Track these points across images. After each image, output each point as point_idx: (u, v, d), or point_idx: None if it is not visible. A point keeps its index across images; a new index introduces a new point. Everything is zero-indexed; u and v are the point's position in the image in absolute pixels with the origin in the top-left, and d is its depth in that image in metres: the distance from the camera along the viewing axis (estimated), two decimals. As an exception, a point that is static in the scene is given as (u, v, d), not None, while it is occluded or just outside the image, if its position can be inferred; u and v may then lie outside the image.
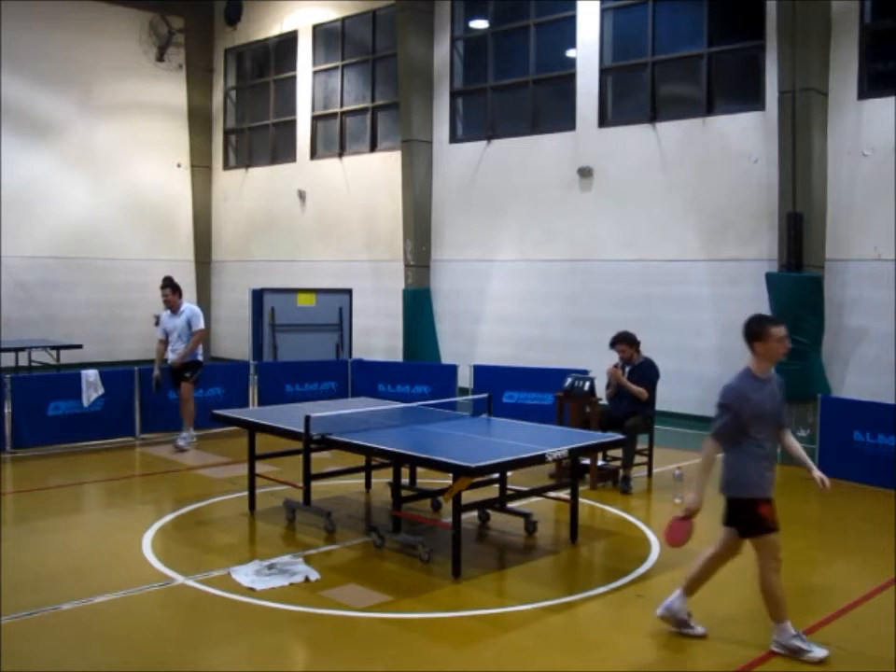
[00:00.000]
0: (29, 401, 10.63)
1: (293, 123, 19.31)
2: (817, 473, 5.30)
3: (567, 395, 9.36)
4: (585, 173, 14.14)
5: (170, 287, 10.83)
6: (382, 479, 8.38)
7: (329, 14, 18.48)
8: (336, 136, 18.45)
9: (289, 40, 19.41)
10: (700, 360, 12.98)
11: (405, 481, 7.64)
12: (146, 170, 20.18)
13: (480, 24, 16.07)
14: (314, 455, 7.55)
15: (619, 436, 7.91)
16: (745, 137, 12.52)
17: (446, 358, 15.53)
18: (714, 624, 5.55)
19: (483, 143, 15.65)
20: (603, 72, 14.12)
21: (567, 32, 14.52)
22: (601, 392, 9.50)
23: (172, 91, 20.69)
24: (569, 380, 9.39)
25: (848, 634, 5.42)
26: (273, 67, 20.00)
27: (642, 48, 13.67)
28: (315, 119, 18.94)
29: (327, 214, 18.47)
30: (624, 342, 9.28)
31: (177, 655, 5.05)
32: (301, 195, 18.89)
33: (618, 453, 9.14)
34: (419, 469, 8.02)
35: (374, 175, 17.44)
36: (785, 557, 7.10)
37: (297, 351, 14.68)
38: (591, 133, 14.18)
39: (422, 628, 5.45)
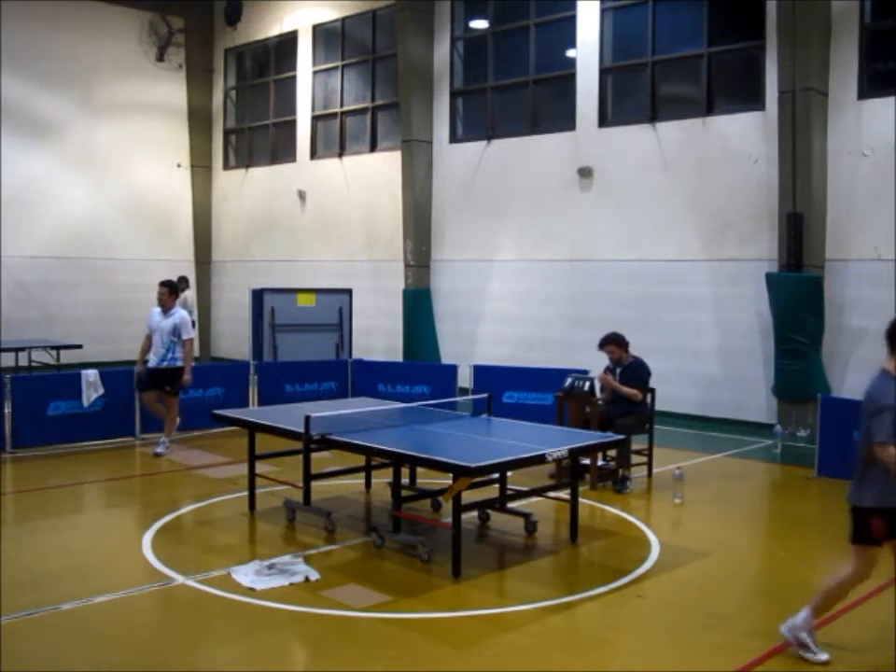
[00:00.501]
0: (29, 401, 10.63)
1: (293, 123, 19.31)
2: None
3: (566, 395, 9.35)
4: (585, 173, 14.14)
5: (168, 287, 10.66)
6: (382, 479, 8.38)
7: (329, 14, 18.48)
8: (336, 136, 18.46)
9: (289, 40, 19.42)
10: (700, 360, 12.98)
11: (405, 481, 7.64)
12: (146, 170, 20.18)
13: (480, 24, 16.07)
14: (314, 455, 7.55)
15: (618, 436, 7.90)
16: (745, 137, 12.53)
17: (446, 358, 15.53)
18: (714, 624, 5.55)
19: (483, 143, 15.65)
20: (603, 72, 14.12)
21: (566, 32, 14.52)
22: (600, 393, 9.50)
23: (172, 91, 20.69)
24: (569, 380, 9.39)
25: (848, 634, 5.41)
26: (273, 67, 20.00)
27: (642, 48, 13.67)
28: (314, 119, 18.94)
29: (327, 214, 18.47)
30: (613, 343, 9.27)
31: (177, 655, 5.05)
32: (301, 195, 18.89)
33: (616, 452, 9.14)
34: (419, 469, 8.02)
35: (374, 174, 17.44)
36: (785, 557, 7.13)
37: (297, 351, 14.68)
38: (591, 133, 14.18)
39: (422, 628, 5.45)
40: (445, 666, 4.97)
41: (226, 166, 21.12)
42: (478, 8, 16.01)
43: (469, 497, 6.68)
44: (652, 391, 9.67)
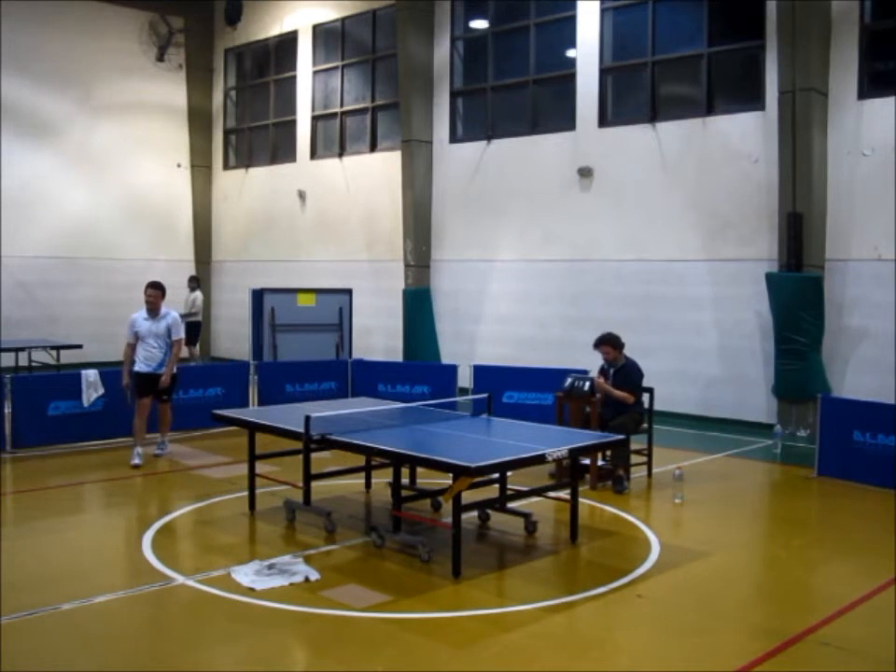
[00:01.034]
0: (29, 401, 10.63)
1: (293, 123, 19.32)
2: None
3: (566, 395, 9.35)
4: (585, 173, 14.14)
5: (159, 289, 10.12)
6: (382, 479, 8.38)
7: (328, 14, 18.48)
8: (336, 136, 18.46)
9: (289, 40, 19.42)
10: (700, 360, 12.99)
11: (405, 481, 7.64)
12: (146, 170, 20.19)
13: (480, 24, 16.07)
14: (314, 455, 7.55)
15: (618, 436, 7.90)
16: (745, 137, 12.53)
17: (446, 358, 15.53)
18: (714, 624, 5.55)
19: (483, 143, 15.65)
20: (603, 72, 14.12)
21: (566, 32, 14.53)
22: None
23: (172, 90, 20.70)
24: (569, 380, 9.38)
25: (848, 634, 5.42)
26: (273, 67, 20.00)
27: (642, 48, 13.68)
28: (314, 119, 18.94)
29: (327, 214, 18.47)
30: (608, 343, 9.26)
31: (177, 655, 5.05)
32: (301, 195, 18.90)
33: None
34: (419, 469, 8.02)
35: (374, 175, 17.44)
36: (785, 557, 7.13)
37: (297, 351, 14.68)
38: (591, 133, 14.18)
39: (422, 628, 5.45)
40: (445, 666, 4.97)
41: (226, 166, 21.13)
42: (478, 8, 16.01)
43: (468, 496, 6.68)
44: (650, 391, 9.68)
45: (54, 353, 15.32)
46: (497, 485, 7.44)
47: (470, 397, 10.96)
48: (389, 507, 7.21)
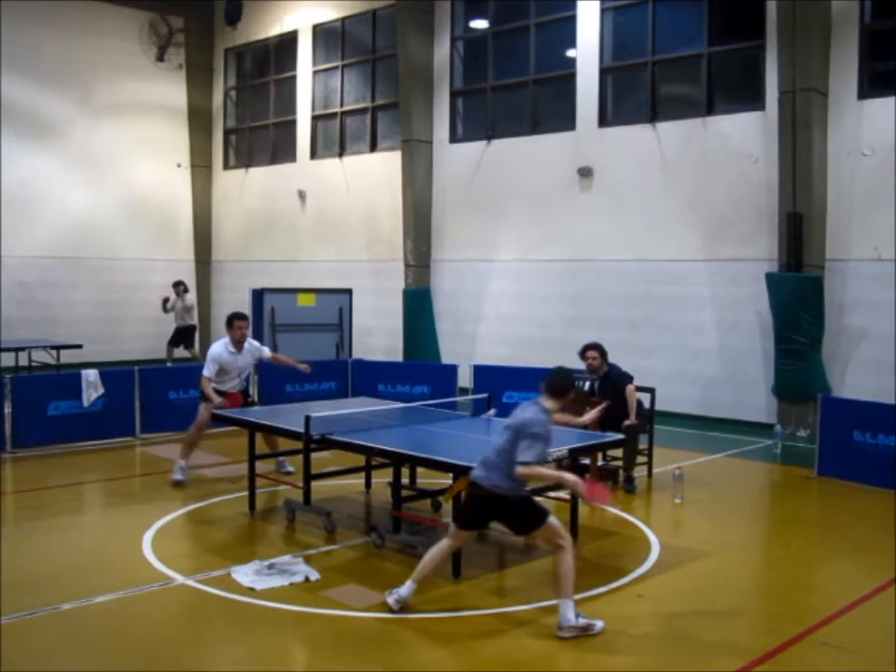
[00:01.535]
0: (29, 401, 10.63)
1: (293, 123, 19.31)
2: None
3: (566, 395, 9.33)
4: (585, 173, 14.14)
5: (248, 319, 9.21)
6: (382, 479, 8.38)
7: (329, 14, 18.48)
8: (336, 136, 18.46)
9: (289, 40, 19.42)
10: (700, 360, 12.98)
11: (405, 481, 7.64)
12: (146, 170, 20.18)
13: (480, 24, 16.07)
14: (314, 455, 7.55)
15: (619, 436, 7.89)
16: (745, 137, 12.52)
17: (446, 358, 15.53)
18: (714, 624, 5.55)
19: (483, 143, 15.65)
20: (603, 72, 14.12)
21: (566, 32, 14.52)
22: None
23: (172, 90, 20.70)
24: (569, 380, 9.36)
25: (848, 634, 5.42)
26: (273, 67, 20.00)
27: (642, 48, 13.68)
28: (314, 118, 18.94)
29: (327, 214, 18.47)
30: (597, 349, 9.24)
31: (177, 655, 5.05)
32: (301, 195, 18.89)
33: (618, 452, 9.13)
34: (419, 469, 8.02)
35: (374, 175, 17.44)
36: (785, 557, 7.13)
37: (297, 351, 14.58)
38: (591, 133, 14.18)
39: (422, 628, 5.45)
40: (445, 666, 4.97)
41: (226, 166, 21.13)
42: (478, 8, 16.01)
43: (468, 496, 6.67)
44: (651, 391, 9.69)
45: (54, 353, 15.32)
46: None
47: (470, 397, 10.96)
48: (389, 507, 7.21)
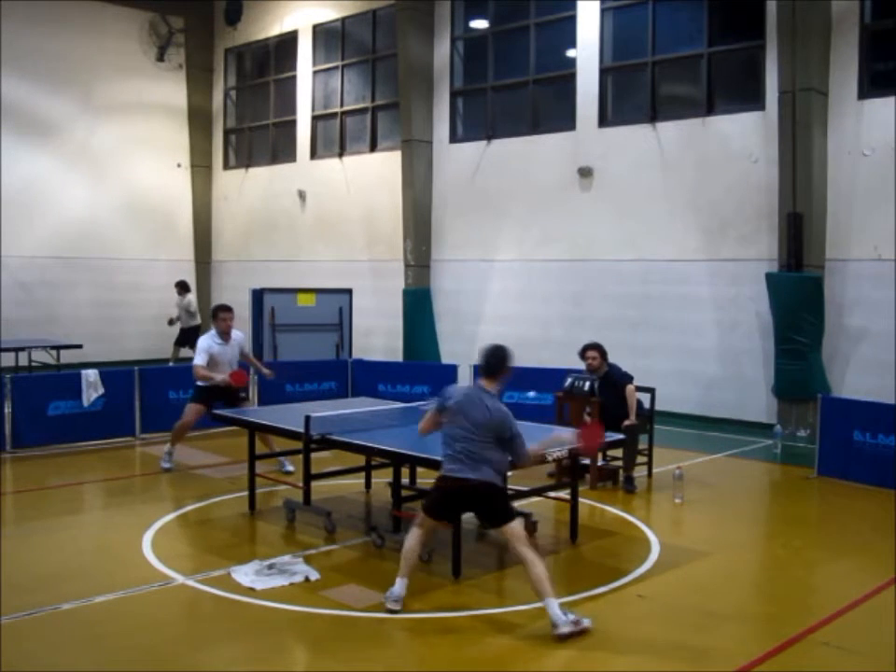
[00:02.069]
0: (29, 401, 10.63)
1: (293, 123, 19.31)
2: None
3: (566, 395, 9.35)
4: (585, 173, 14.14)
5: (232, 311, 9.65)
6: (382, 479, 8.38)
7: (328, 14, 18.48)
8: (336, 136, 18.46)
9: (289, 40, 19.41)
10: (700, 360, 12.98)
11: (405, 481, 7.64)
12: (146, 170, 20.18)
13: (480, 24, 16.07)
14: (314, 455, 7.55)
15: (619, 436, 7.90)
16: (745, 137, 12.52)
17: (446, 358, 15.53)
18: (714, 624, 5.55)
19: (483, 143, 15.65)
20: (603, 72, 14.12)
21: (567, 32, 14.52)
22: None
23: (172, 90, 20.70)
24: (569, 380, 9.39)
25: (848, 634, 5.42)
26: (273, 67, 20.00)
27: (642, 48, 13.67)
28: (314, 118, 18.94)
29: (327, 214, 18.47)
30: (597, 349, 9.25)
31: (177, 655, 5.05)
32: (301, 195, 18.90)
33: (618, 452, 9.13)
34: (419, 469, 8.02)
35: (374, 175, 17.44)
36: (785, 557, 7.13)
37: (297, 351, 14.67)
38: (591, 133, 14.18)
39: (422, 628, 5.45)
40: (445, 666, 4.97)
41: (226, 166, 21.13)
42: (478, 8, 16.01)
43: (468, 496, 6.67)
44: (651, 391, 9.69)
45: (54, 353, 15.32)
46: (496, 485, 7.43)
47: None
48: (389, 507, 7.21)
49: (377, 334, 17.07)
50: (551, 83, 15.06)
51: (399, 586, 5.63)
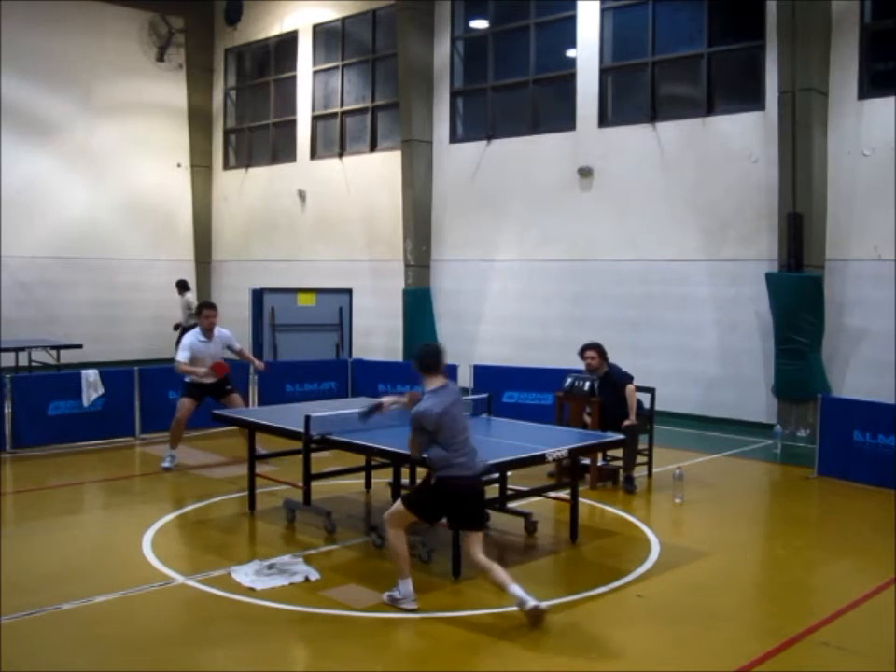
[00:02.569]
0: (29, 401, 10.63)
1: (293, 123, 19.31)
2: None
3: (566, 395, 9.35)
4: (585, 173, 14.14)
5: (216, 308, 10.00)
6: (382, 479, 8.38)
7: (328, 14, 18.48)
8: (336, 136, 18.45)
9: (289, 40, 19.41)
10: (700, 360, 12.98)
11: (405, 481, 7.64)
12: (146, 170, 20.18)
13: (480, 24, 16.07)
14: (314, 455, 7.55)
15: (619, 436, 7.90)
16: (745, 137, 12.52)
17: (446, 358, 15.49)
18: (714, 624, 5.55)
19: (483, 143, 15.65)
20: (603, 72, 14.12)
21: (567, 32, 14.52)
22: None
23: (172, 90, 20.70)
24: (569, 380, 9.38)
25: (848, 634, 5.42)
26: (273, 67, 20.00)
27: (642, 48, 13.67)
28: (314, 118, 18.94)
29: (327, 214, 18.47)
30: (596, 349, 9.25)
31: (177, 655, 5.05)
32: (301, 195, 18.90)
33: (618, 452, 9.13)
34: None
35: (374, 174, 17.44)
36: (785, 557, 7.13)
37: (297, 351, 14.68)
38: (591, 133, 14.18)
39: (422, 628, 5.45)
40: (445, 666, 4.97)
41: (226, 166, 21.13)
42: (478, 8, 16.01)
43: (468, 496, 6.67)
44: (651, 391, 9.69)
45: (54, 353, 15.32)
46: (496, 485, 7.43)
47: (470, 397, 10.94)
48: (389, 507, 7.20)
49: (377, 334, 17.07)
50: (551, 83, 15.05)
51: (408, 585, 5.66)
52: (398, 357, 16.18)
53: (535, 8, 14.98)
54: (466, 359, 14.00)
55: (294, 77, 19.32)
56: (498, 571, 5.54)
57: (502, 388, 12.28)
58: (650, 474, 9.47)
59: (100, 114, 19.51)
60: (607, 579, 6.28)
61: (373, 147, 17.70)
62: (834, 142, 11.72)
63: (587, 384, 9.18)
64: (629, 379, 9.19)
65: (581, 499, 7.50)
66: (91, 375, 11.03)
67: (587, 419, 9.17)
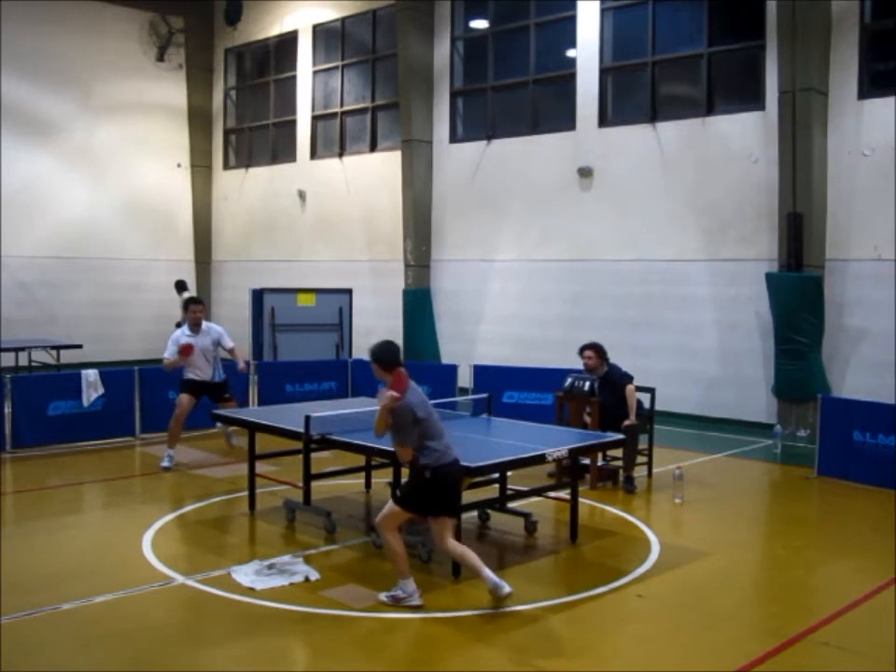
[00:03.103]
0: (29, 401, 10.63)
1: (293, 123, 19.31)
2: None
3: (566, 395, 9.35)
4: (585, 173, 14.14)
5: (203, 303, 10.35)
6: (382, 479, 8.38)
7: (328, 14, 18.48)
8: (336, 136, 18.45)
9: (289, 40, 19.42)
10: (700, 360, 12.98)
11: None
12: (146, 170, 20.18)
13: (480, 24, 16.07)
14: (314, 455, 7.55)
15: (619, 436, 7.90)
16: (745, 137, 12.52)
17: (446, 358, 15.53)
18: (714, 624, 5.55)
19: (483, 143, 15.65)
20: (603, 72, 14.12)
21: (567, 32, 14.52)
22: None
23: (172, 90, 20.70)
24: (569, 380, 9.38)
25: (848, 634, 5.42)
26: (273, 67, 20.00)
27: (642, 48, 13.67)
28: (314, 118, 18.94)
29: (327, 214, 18.47)
30: (594, 349, 9.25)
31: (177, 655, 5.05)
32: (301, 195, 18.90)
33: (618, 452, 9.13)
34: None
35: (374, 174, 17.44)
36: (785, 557, 7.13)
37: (297, 351, 14.67)
38: (591, 133, 14.18)
39: (422, 628, 5.45)
40: (446, 666, 4.97)
41: (226, 166, 21.13)
42: (478, 8, 16.00)
43: (468, 496, 6.67)
44: (651, 391, 9.69)
45: (54, 353, 15.32)
46: (496, 485, 7.43)
47: (470, 397, 10.96)
48: (390, 507, 7.20)
49: (377, 334, 16.82)
50: (551, 83, 15.05)
51: (410, 583, 5.70)
52: (398, 357, 16.15)
53: (535, 8, 14.98)
54: (466, 359, 14.01)
55: (294, 77, 19.32)
56: (472, 556, 5.71)
57: (502, 388, 12.28)
58: (650, 474, 9.47)
59: (100, 114, 19.51)
60: (607, 579, 6.28)
61: (373, 147, 17.70)
62: (834, 142, 11.72)
63: (587, 384, 9.18)
64: (629, 379, 9.19)
65: (581, 499, 7.50)
66: (90, 375, 11.03)
67: (587, 419, 9.17)
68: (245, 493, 8.16)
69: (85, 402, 10.94)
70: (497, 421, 8.16)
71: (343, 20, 18.22)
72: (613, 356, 9.48)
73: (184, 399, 9.89)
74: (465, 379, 12.96)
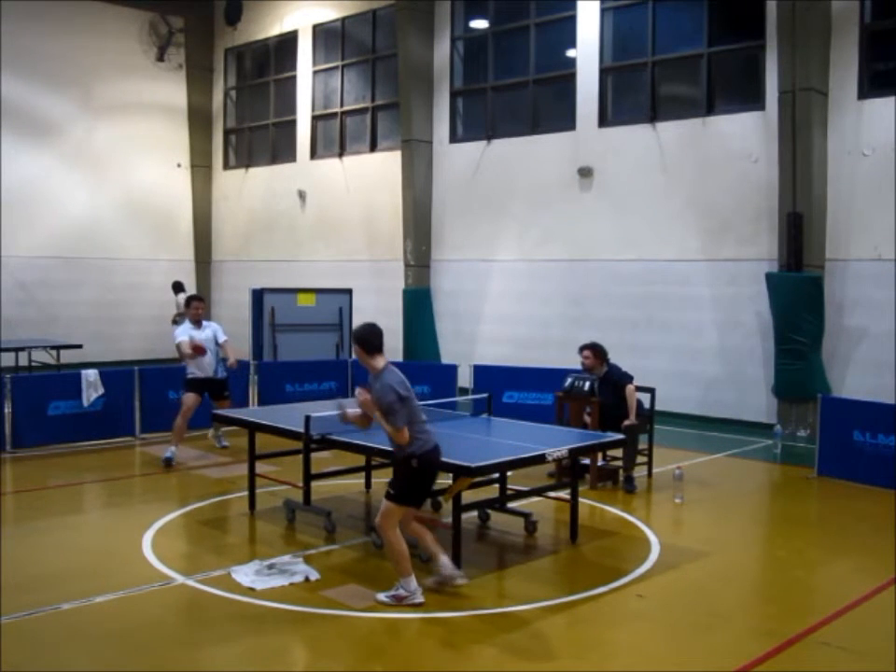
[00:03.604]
0: (29, 401, 10.63)
1: (293, 123, 19.31)
2: None
3: (566, 395, 9.35)
4: (585, 173, 14.14)
5: (203, 300, 10.69)
6: (382, 479, 8.37)
7: (328, 14, 18.48)
8: (336, 136, 18.46)
9: (289, 40, 19.42)
10: (700, 360, 12.98)
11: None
12: (146, 170, 20.18)
13: (480, 24, 16.07)
14: (314, 455, 7.55)
15: (619, 436, 7.89)
16: (745, 137, 12.52)
17: (446, 358, 15.53)
18: (714, 624, 5.55)
19: (483, 143, 15.65)
20: (603, 72, 14.12)
21: (567, 32, 14.52)
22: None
23: (172, 90, 20.70)
24: (569, 380, 9.38)
25: (848, 634, 5.42)
26: (273, 67, 20.00)
27: (642, 48, 13.67)
28: (314, 118, 18.94)
29: (327, 214, 18.47)
30: (592, 349, 9.26)
31: (177, 655, 5.05)
32: (301, 195, 18.90)
33: (618, 452, 9.14)
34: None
35: (374, 174, 17.44)
36: (785, 557, 7.13)
37: (297, 351, 14.67)
38: (591, 133, 14.18)
39: (421, 628, 5.45)
40: (445, 666, 4.97)
41: (226, 166, 21.13)
42: (478, 8, 16.01)
43: (469, 496, 6.68)
44: (651, 391, 9.69)
45: (54, 353, 15.32)
46: (497, 485, 7.44)
47: (470, 397, 10.96)
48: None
49: (377, 334, 17.02)
50: (551, 83, 15.05)
51: (412, 581, 5.73)
52: (397, 356, 16.16)
53: (535, 8, 14.98)
54: (466, 359, 14.02)
55: (294, 77, 19.32)
56: (431, 539, 5.88)
57: (502, 388, 12.28)
58: (650, 474, 9.47)
59: (100, 114, 19.50)
60: (607, 579, 6.28)
61: (373, 147, 17.70)
62: (834, 142, 11.72)
63: (587, 384, 9.18)
64: (629, 379, 9.19)
65: (581, 499, 7.50)
66: (90, 375, 11.02)
67: (587, 419, 9.17)
68: (245, 493, 8.16)
69: (85, 402, 10.94)
70: (496, 421, 8.16)
71: (343, 20, 18.23)
72: (613, 356, 9.48)
73: (189, 398, 10.07)
74: (465, 379, 12.96)
